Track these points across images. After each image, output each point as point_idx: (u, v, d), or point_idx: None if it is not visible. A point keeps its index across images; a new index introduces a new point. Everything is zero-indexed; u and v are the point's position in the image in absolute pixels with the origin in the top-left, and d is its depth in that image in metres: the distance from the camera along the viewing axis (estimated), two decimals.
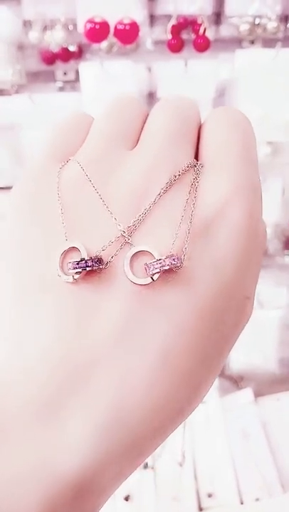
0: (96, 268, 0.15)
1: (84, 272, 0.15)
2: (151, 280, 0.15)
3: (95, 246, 0.15)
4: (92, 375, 0.14)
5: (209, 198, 0.16)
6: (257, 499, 0.59)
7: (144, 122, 0.19)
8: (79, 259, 0.15)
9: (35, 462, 0.13)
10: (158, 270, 0.15)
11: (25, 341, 0.14)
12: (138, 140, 0.19)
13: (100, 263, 0.15)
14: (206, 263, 0.15)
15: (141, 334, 0.14)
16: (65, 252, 0.15)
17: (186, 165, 0.17)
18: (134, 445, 0.14)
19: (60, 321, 0.15)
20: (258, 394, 0.73)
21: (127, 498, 0.59)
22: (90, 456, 0.13)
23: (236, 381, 0.80)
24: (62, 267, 0.15)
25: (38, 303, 0.15)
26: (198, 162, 0.17)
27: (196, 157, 0.18)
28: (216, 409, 0.70)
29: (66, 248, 0.15)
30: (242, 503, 0.59)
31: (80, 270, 0.15)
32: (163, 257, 0.15)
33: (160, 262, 0.15)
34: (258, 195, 0.17)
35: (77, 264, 0.15)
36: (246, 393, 0.73)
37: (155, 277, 0.15)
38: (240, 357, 0.76)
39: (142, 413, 0.14)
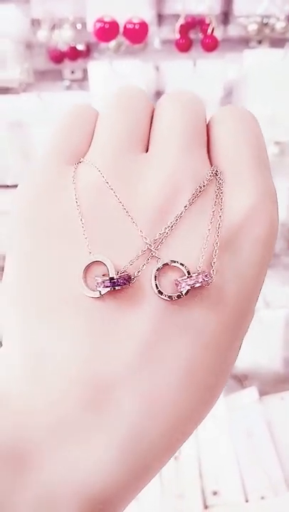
0: (125, 287, 0.14)
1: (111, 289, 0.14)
2: (180, 295, 0.14)
3: (121, 260, 0.15)
4: (117, 393, 0.14)
5: (233, 211, 0.16)
6: (262, 497, 0.59)
7: (151, 116, 0.19)
8: (108, 278, 0.14)
9: (67, 480, 0.13)
10: (189, 288, 0.14)
11: (48, 360, 0.14)
12: (148, 138, 0.18)
13: (128, 281, 0.14)
14: (231, 277, 0.15)
15: (166, 351, 0.14)
16: (88, 266, 0.15)
17: (209, 175, 0.16)
18: (154, 459, 0.14)
19: (84, 339, 0.14)
20: (262, 393, 0.74)
21: None
22: (117, 472, 0.13)
23: (241, 380, 0.80)
24: (85, 282, 0.15)
25: (60, 320, 0.14)
26: (218, 170, 0.16)
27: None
28: (220, 408, 0.70)
29: (90, 262, 0.15)
30: (247, 501, 0.59)
31: (107, 289, 0.14)
32: (194, 274, 0.14)
33: (192, 278, 0.14)
34: (275, 200, 0.16)
35: (108, 282, 0.14)
36: (251, 392, 0.74)
37: (184, 292, 0.14)
38: (245, 356, 0.77)
39: (164, 430, 0.14)
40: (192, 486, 0.61)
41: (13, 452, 0.13)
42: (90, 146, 0.18)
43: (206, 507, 0.60)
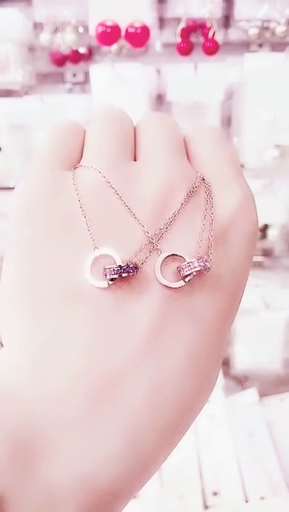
0: (132, 274, 0.15)
1: (118, 278, 0.15)
2: (184, 283, 0.15)
3: (125, 253, 0.16)
4: (123, 384, 0.14)
5: (224, 208, 0.17)
6: (262, 498, 0.59)
7: (134, 132, 0.20)
8: (117, 265, 0.15)
9: (74, 471, 0.13)
10: (191, 271, 0.15)
11: (53, 353, 0.14)
12: (134, 151, 0.20)
13: (136, 269, 0.15)
14: (225, 268, 0.17)
15: (170, 338, 0.15)
16: (94, 259, 0.16)
17: (199, 179, 0.18)
18: (160, 452, 0.15)
19: (90, 332, 0.15)
20: (262, 394, 0.74)
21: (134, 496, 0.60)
22: (123, 464, 0.14)
23: (241, 381, 0.80)
24: (92, 274, 0.15)
25: (65, 314, 0.15)
26: (204, 176, 0.18)
27: None
28: (221, 409, 0.71)
29: (97, 255, 0.16)
30: (247, 502, 0.60)
31: (116, 276, 0.15)
32: (194, 259, 0.15)
33: (193, 263, 0.15)
34: (254, 200, 0.19)
35: (116, 269, 0.15)
36: (251, 393, 0.74)
37: (187, 279, 0.15)
38: (245, 357, 0.77)
39: (170, 417, 0.14)
40: (192, 486, 0.61)
41: (21, 441, 0.13)
42: (81, 154, 0.19)
43: (206, 507, 0.60)
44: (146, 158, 0.19)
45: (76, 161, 0.19)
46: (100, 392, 0.14)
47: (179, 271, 0.16)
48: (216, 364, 0.16)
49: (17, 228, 0.17)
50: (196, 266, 0.15)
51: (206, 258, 0.16)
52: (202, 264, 0.15)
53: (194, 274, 0.15)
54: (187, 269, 0.15)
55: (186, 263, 0.16)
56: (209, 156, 0.19)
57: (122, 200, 0.17)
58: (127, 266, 0.15)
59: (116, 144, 0.19)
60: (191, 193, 0.17)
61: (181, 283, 0.15)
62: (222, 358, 0.17)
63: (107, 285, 0.15)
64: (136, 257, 0.16)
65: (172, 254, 0.16)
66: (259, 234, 0.20)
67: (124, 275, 0.15)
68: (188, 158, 0.19)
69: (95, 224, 0.16)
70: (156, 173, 0.18)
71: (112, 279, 0.15)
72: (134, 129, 0.21)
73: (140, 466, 0.14)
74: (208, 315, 0.16)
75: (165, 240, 0.16)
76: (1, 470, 0.13)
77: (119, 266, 0.15)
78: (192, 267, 0.15)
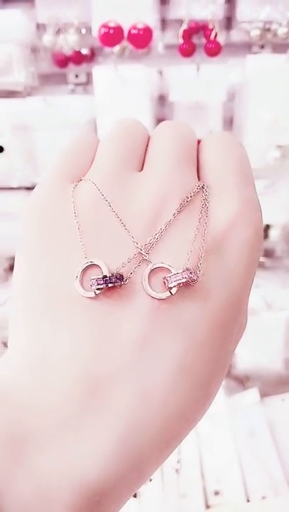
0: (118, 284, 0.15)
1: (105, 288, 0.15)
2: (170, 294, 0.16)
3: (114, 263, 0.16)
4: (113, 388, 0.14)
5: (219, 218, 0.17)
6: (263, 497, 0.60)
7: (147, 143, 0.21)
8: (102, 276, 0.15)
9: (65, 471, 0.14)
10: (176, 283, 0.15)
11: (49, 359, 0.15)
12: (144, 161, 0.20)
13: (121, 279, 0.16)
14: (218, 278, 0.16)
15: (158, 348, 0.15)
16: (84, 270, 0.16)
17: (196, 187, 0.18)
18: (151, 453, 0.15)
19: (80, 336, 0.15)
20: (263, 394, 0.74)
21: (135, 495, 0.60)
22: (112, 465, 0.14)
23: (242, 381, 0.80)
24: (82, 284, 0.16)
25: (58, 318, 0.15)
26: (205, 184, 0.18)
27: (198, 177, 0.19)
28: (222, 409, 0.71)
29: (86, 265, 0.16)
30: (248, 501, 0.60)
31: (102, 286, 0.15)
32: (180, 271, 0.16)
33: (178, 275, 0.15)
34: (258, 209, 0.18)
35: (101, 280, 0.15)
36: (252, 393, 0.74)
37: (173, 291, 0.16)
38: (246, 357, 0.77)
39: (160, 423, 0.15)
40: (194, 485, 0.62)
41: (13, 440, 0.14)
42: (89, 167, 0.20)
43: (207, 506, 0.60)
44: (149, 168, 0.19)
45: (84, 174, 0.19)
46: (89, 396, 0.14)
47: (164, 283, 0.16)
48: (215, 374, 0.16)
49: (25, 236, 0.18)
50: (181, 278, 0.15)
51: (192, 270, 0.16)
52: (187, 276, 0.15)
53: (181, 285, 0.16)
54: (171, 280, 0.16)
55: (171, 275, 0.16)
56: (215, 164, 0.19)
57: (114, 211, 0.17)
58: (112, 276, 0.15)
59: (120, 156, 0.19)
60: (185, 203, 0.17)
61: (167, 293, 0.16)
62: (225, 368, 0.17)
63: (94, 295, 0.16)
64: (124, 268, 0.16)
65: (161, 265, 0.16)
66: (261, 241, 0.19)
67: (110, 285, 0.15)
68: (199, 165, 0.20)
69: (87, 235, 0.17)
70: (152, 183, 0.18)
71: (98, 289, 0.15)
72: (149, 137, 0.21)
73: (130, 468, 0.14)
74: (199, 325, 0.16)
75: (156, 250, 0.16)
76: None
77: (104, 276, 0.15)
78: (177, 278, 0.15)
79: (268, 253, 0.78)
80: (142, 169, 0.19)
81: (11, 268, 0.77)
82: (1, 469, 0.13)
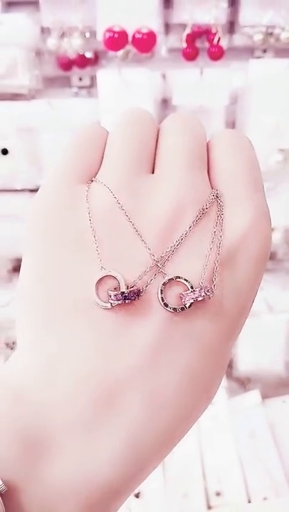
0: (134, 299, 0.16)
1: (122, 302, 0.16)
2: (184, 308, 0.16)
3: (130, 275, 0.16)
4: (124, 394, 0.15)
5: (233, 231, 0.17)
6: (264, 498, 0.60)
7: (157, 136, 0.20)
8: (120, 292, 0.16)
9: (80, 470, 0.14)
10: (192, 301, 0.16)
11: (60, 364, 0.15)
12: (154, 157, 0.19)
13: (138, 295, 0.16)
14: (230, 290, 0.17)
15: (169, 357, 0.15)
16: (100, 279, 0.16)
17: (211, 197, 0.18)
18: (158, 453, 0.15)
19: (95, 344, 0.15)
20: (264, 396, 0.74)
21: (137, 495, 0.60)
22: (123, 465, 0.15)
23: (244, 383, 0.81)
24: (98, 294, 0.16)
25: (72, 326, 0.16)
26: (219, 193, 0.18)
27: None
28: (223, 411, 0.71)
29: (103, 275, 0.16)
30: (249, 502, 0.60)
31: (120, 302, 0.15)
32: (198, 289, 0.16)
33: (195, 293, 0.16)
34: (269, 219, 0.18)
35: (120, 295, 0.15)
36: (253, 395, 0.74)
37: (187, 305, 0.16)
38: (247, 359, 0.77)
39: (167, 426, 0.15)
40: (195, 486, 0.62)
41: (28, 438, 0.14)
42: (100, 165, 0.19)
43: (209, 507, 0.60)
44: (162, 171, 0.18)
45: (94, 173, 0.19)
46: (101, 398, 0.15)
47: (181, 298, 0.16)
48: (216, 378, 0.17)
49: (30, 241, 0.18)
50: (198, 295, 0.16)
51: (209, 287, 0.16)
52: (204, 294, 0.16)
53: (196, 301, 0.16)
54: (188, 297, 0.16)
55: (188, 292, 0.16)
56: (227, 168, 0.19)
57: (131, 221, 0.17)
58: (130, 292, 0.16)
59: (132, 154, 0.19)
60: (200, 215, 0.17)
61: (182, 307, 0.16)
62: (223, 371, 0.17)
63: (110, 306, 0.16)
64: (141, 280, 0.16)
65: (176, 278, 0.16)
66: (269, 252, 0.19)
67: (127, 302, 0.16)
68: (209, 164, 0.19)
69: (103, 244, 0.17)
70: (167, 192, 0.17)
71: (115, 302, 0.16)
72: (158, 130, 0.20)
73: (138, 466, 0.15)
74: (209, 337, 0.16)
75: (171, 262, 0.16)
76: (11, 463, 0.14)
77: (122, 292, 0.16)
78: (194, 296, 0.16)
79: (270, 256, 0.78)
80: (153, 165, 0.19)
81: (15, 269, 0.77)
82: (18, 468, 0.14)
